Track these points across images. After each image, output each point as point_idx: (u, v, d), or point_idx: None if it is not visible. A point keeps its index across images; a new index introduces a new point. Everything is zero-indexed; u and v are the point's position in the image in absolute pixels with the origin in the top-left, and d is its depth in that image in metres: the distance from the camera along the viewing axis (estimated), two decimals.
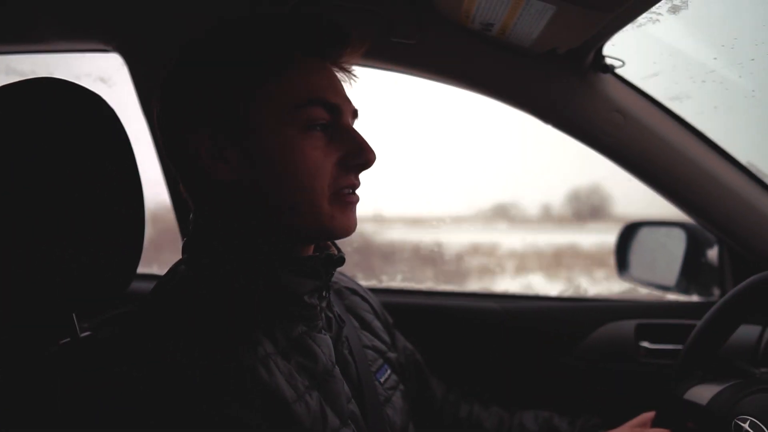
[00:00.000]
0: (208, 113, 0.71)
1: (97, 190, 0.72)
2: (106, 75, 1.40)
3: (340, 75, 0.78)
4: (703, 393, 0.88)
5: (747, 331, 1.22)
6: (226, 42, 0.73)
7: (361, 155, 0.72)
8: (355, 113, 0.78)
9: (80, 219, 0.71)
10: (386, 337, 0.96)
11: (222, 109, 0.70)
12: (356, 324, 0.92)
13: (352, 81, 0.80)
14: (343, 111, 0.73)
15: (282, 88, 0.70)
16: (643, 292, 1.60)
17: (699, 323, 0.94)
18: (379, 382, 0.85)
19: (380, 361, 0.89)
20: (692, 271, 1.41)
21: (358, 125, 0.79)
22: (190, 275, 0.73)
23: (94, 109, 0.75)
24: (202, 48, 0.74)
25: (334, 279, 0.97)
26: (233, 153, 0.70)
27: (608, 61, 1.09)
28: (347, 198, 0.73)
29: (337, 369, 0.75)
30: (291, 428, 0.63)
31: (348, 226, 0.74)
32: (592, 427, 1.03)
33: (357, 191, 0.76)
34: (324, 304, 0.78)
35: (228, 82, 0.70)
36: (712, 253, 1.40)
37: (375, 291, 1.23)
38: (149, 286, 0.77)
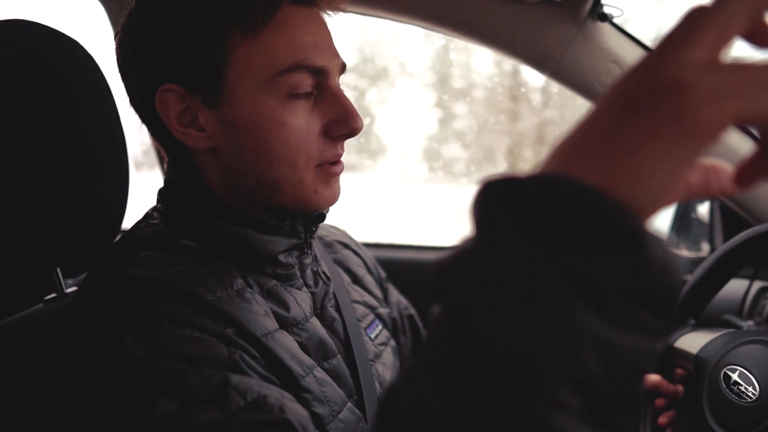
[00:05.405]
0: (178, 72, 0.62)
1: (78, 140, 0.69)
2: (84, 21, 1.34)
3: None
4: (693, 341, 0.89)
5: (734, 285, 1.24)
6: None
7: (348, 123, 0.64)
8: (342, 68, 0.68)
9: (60, 171, 0.68)
10: (378, 293, 0.95)
11: (194, 69, 0.62)
12: (347, 278, 0.90)
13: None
14: (329, 72, 0.64)
15: (260, 50, 0.60)
16: None
17: (695, 273, 0.94)
18: (370, 337, 0.84)
19: (371, 316, 0.88)
20: (682, 227, 1.42)
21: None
22: (163, 228, 0.67)
23: (72, 55, 0.71)
24: None
25: (325, 232, 0.95)
26: (208, 120, 0.63)
27: (606, 9, 1.05)
28: (332, 169, 0.66)
29: (312, 321, 0.70)
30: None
31: (332, 199, 0.68)
32: None
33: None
34: (308, 261, 0.74)
35: (200, 38, 0.60)
36: (702, 209, 1.40)
37: (365, 245, 1.22)
38: None
